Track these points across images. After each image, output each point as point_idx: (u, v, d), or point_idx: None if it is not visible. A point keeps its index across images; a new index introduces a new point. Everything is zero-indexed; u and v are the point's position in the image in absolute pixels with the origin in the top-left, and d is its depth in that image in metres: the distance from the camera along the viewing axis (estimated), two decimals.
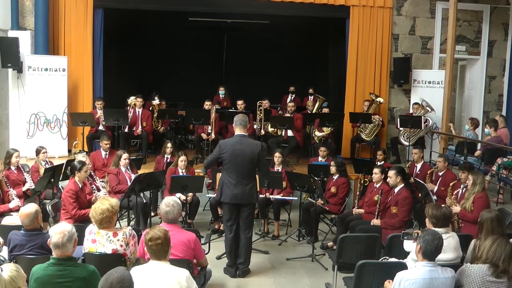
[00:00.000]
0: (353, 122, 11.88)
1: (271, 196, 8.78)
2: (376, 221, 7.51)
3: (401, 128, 11.77)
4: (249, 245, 7.05)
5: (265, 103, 12.07)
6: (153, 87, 13.66)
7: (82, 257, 4.93)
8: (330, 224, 9.15)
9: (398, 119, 11.89)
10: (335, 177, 8.82)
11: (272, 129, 11.63)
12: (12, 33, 11.35)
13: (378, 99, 11.93)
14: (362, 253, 5.91)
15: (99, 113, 11.29)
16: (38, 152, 9.10)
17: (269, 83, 15.26)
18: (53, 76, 11.46)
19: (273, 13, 12.70)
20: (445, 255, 5.02)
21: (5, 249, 5.25)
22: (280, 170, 9.04)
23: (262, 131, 11.65)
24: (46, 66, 11.37)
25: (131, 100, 11.70)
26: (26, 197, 7.94)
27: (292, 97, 14.50)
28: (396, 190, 7.56)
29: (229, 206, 6.88)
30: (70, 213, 6.96)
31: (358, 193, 8.56)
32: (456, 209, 7.27)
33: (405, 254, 5.42)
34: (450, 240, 5.21)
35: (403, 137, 11.74)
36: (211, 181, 9.10)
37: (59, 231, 4.16)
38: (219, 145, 6.92)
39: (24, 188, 8.03)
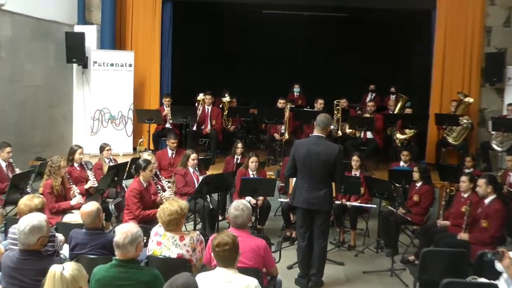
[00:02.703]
0: (439, 124, 11.56)
1: (347, 203, 8.62)
2: (463, 235, 7.18)
3: (493, 132, 11.32)
4: (323, 255, 6.90)
5: (343, 102, 11.85)
6: (223, 84, 13.71)
7: (145, 260, 4.98)
8: (411, 236, 8.82)
9: (490, 122, 11.45)
10: (418, 184, 8.55)
11: (350, 130, 11.50)
12: (78, 28, 11.73)
13: (467, 99, 11.51)
14: (447, 270, 5.66)
15: (167, 110, 11.41)
16: (102, 149, 9.26)
17: (347, 80, 15.01)
18: (119, 72, 11.75)
19: (353, 5, 12.61)
20: None
21: (65, 247, 5.36)
22: (358, 175, 8.84)
23: (340, 132, 11.41)
24: (112, 61, 11.71)
25: (200, 97, 11.70)
26: (88, 195, 8.11)
27: (372, 96, 14.23)
28: (486, 201, 7.19)
29: (302, 211, 6.78)
30: (134, 213, 7.04)
31: (443, 203, 8.22)
32: None
33: (497, 274, 5.13)
34: None
35: (495, 142, 11.28)
36: (283, 184, 9.03)
37: (123, 231, 4.20)
38: (293, 145, 6.83)
39: (86, 186, 8.21)
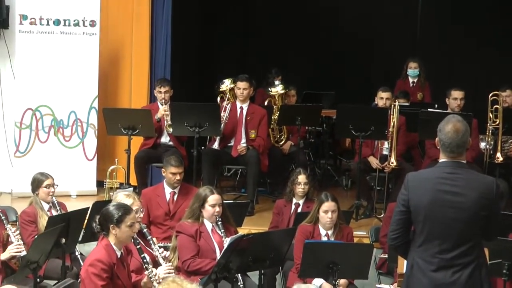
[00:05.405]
0: None
1: None
2: None
3: None
4: None
5: (506, 96, 9.07)
6: (272, 61, 10.99)
7: None
8: None
9: None
10: None
11: None
12: None
13: None
14: None
15: (162, 110, 9.05)
16: (37, 184, 7.45)
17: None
18: (70, 37, 9.07)
19: None
20: None
21: None
22: None
23: (499, 154, 8.77)
24: (59, 16, 9.00)
25: (227, 86, 9.39)
26: (8, 271, 6.62)
27: None
28: None
29: None
30: None
31: None
32: None
33: None
34: None
35: None
36: (385, 256, 7.32)
37: None
38: (405, 182, 4.98)
39: (3, 256, 6.56)
